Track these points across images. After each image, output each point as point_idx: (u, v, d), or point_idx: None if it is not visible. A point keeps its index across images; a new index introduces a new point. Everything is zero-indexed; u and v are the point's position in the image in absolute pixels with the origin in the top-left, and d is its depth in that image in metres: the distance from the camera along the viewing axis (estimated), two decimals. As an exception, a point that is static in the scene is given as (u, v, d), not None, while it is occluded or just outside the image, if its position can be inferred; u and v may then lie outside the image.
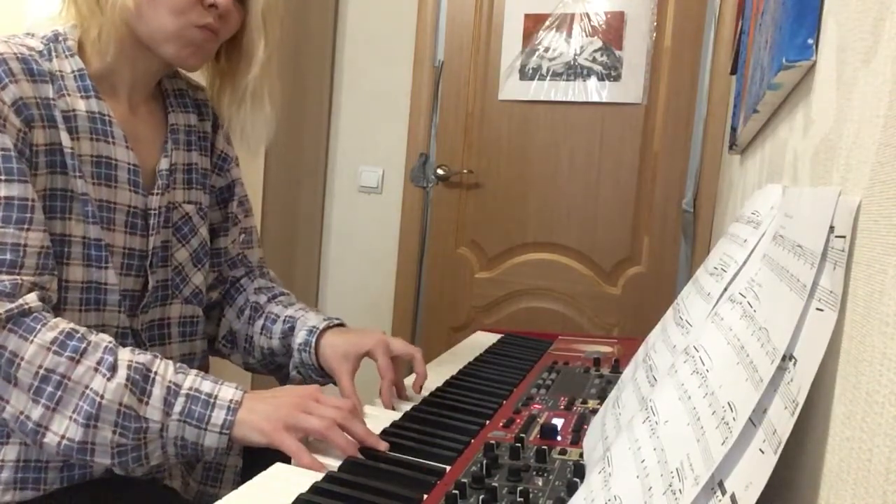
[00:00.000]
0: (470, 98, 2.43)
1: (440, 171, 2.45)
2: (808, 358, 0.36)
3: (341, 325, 1.01)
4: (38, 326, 0.73)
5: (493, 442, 0.74)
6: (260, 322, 1.03)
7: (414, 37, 2.47)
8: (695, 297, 0.67)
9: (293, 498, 0.62)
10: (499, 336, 1.39)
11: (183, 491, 0.93)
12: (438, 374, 1.05)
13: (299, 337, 0.98)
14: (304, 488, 0.64)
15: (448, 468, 0.70)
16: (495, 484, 0.65)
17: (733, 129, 1.27)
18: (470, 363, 1.14)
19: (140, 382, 0.74)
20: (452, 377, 1.04)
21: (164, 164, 0.92)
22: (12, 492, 0.79)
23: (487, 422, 0.84)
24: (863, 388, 0.32)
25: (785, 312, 0.40)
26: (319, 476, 0.67)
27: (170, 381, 0.76)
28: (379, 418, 0.83)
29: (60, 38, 0.85)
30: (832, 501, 0.35)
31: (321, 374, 0.98)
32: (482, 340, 1.35)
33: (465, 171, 2.43)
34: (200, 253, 0.98)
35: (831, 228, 0.39)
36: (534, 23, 2.32)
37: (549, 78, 2.32)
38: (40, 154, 0.80)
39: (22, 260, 0.75)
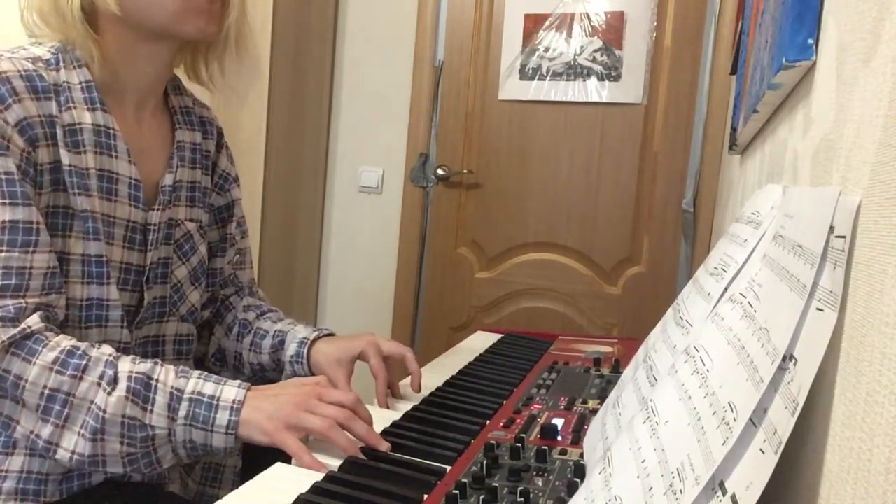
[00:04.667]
0: (470, 98, 2.43)
1: (440, 171, 2.45)
2: (809, 358, 0.36)
3: (330, 334, 1.02)
4: (40, 348, 0.74)
5: (493, 442, 0.74)
6: (249, 338, 1.03)
7: (414, 37, 2.47)
8: (695, 297, 0.67)
9: (293, 498, 0.62)
10: (499, 336, 1.39)
11: (182, 492, 0.93)
12: (438, 374, 1.05)
13: (290, 349, 0.99)
14: (304, 488, 0.64)
15: (448, 468, 0.70)
16: (496, 484, 0.65)
17: (733, 129, 1.27)
18: (470, 363, 1.14)
19: (142, 392, 0.75)
20: (452, 377, 1.04)
21: (168, 179, 0.92)
22: (13, 502, 0.79)
23: (488, 422, 0.84)
24: (863, 388, 0.32)
25: (785, 312, 0.40)
26: (319, 476, 0.67)
27: (172, 387, 0.76)
28: (379, 418, 0.83)
29: (69, 49, 0.84)
30: (832, 501, 0.35)
31: None
32: (482, 340, 1.35)
33: (465, 171, 2.43)
34: (199, 271, 0.98)
35: (831, 228, 0.39)
36: (534, 23, 2.32)
37: (549, 78, 2.32)
38: (45, 173, 0.80)
39: (27, 283, 0.76)
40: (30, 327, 0.74)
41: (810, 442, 0.41)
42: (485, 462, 0.68)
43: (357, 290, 2.63)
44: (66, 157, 0.81)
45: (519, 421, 0.84)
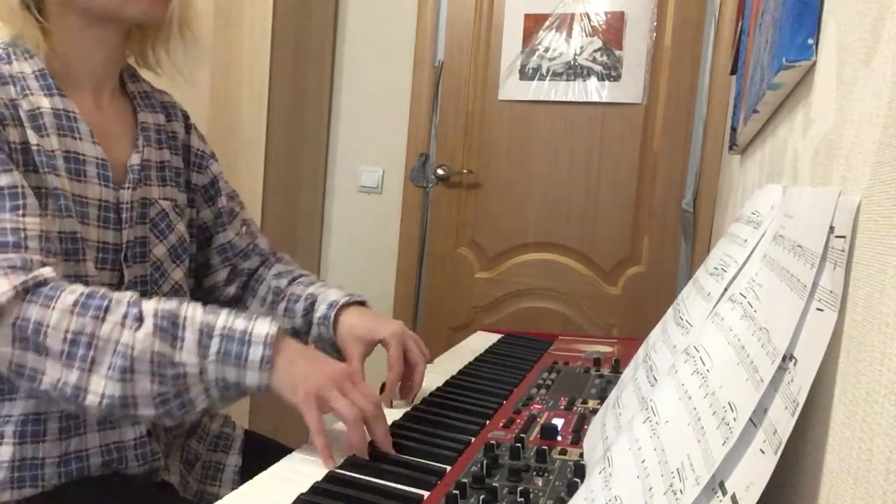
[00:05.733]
0: (470, 98, 2.43)
1: (440, 171, 2.45)
2: (809, 358, 0.36)
3: (362, 302, 1.01)
4: (57, 293, 0.72)
5: (493, 442, 0.74)
6: (282, 305, 1.03)
7: (414, 37, 2.47)
8: (695, 297, 0.67)
9: (293, 498, 0.62)
10: (499, 336, 1.39)
11: (182, 489, 0.93)
12: (438, 374, 1.05)
13: (319, 311, 0.98)
14: (305, 488, 0.64)
15: (448, 468, 0.70)
16: (496, 484, 0.65)
17: (733, 129, 1.27)
18: (470, 363, 1.14)
19: (170, 329, 0.73)
20: (452, 377, 1.04)
21: (135, 159, 0.92)
22: (10, 491, 0.79)
23: (488, 422, 0.84)
24: (863, 388, 0.32)
25: (785, 312, 0.40)
26: (320, 476, 0.67)
27: (201, 323, 0.74)
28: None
29: (18, 43, 0.85)
30: (832, 501, 0.35)
31: (337, 351, 0.98)
32: (482, 340, 1.35)
33: (465, 171, 2.43)
34: (179, 249, 0.98)
35: (831, 228, 0.39)
36: (534, 23, 2.32)
37: (549, 78, 2.32)
38: (17, 152, 0.80)
39: (25, 242, 0.75)
40: (43, 275, 0.73)
41: (810, 442, 0.41)
42: (485, 462, 0.68)
43: (357, 290, 2.59)
44: (33, 137, 0.81)
45: (519, 421, 0.84)
